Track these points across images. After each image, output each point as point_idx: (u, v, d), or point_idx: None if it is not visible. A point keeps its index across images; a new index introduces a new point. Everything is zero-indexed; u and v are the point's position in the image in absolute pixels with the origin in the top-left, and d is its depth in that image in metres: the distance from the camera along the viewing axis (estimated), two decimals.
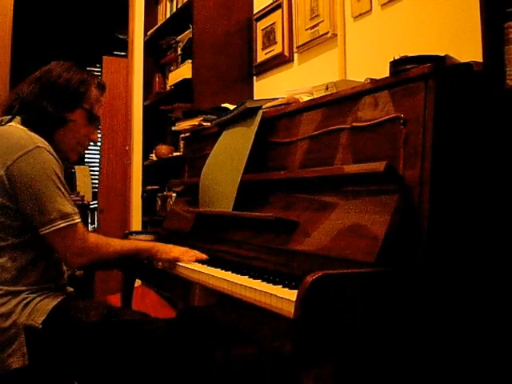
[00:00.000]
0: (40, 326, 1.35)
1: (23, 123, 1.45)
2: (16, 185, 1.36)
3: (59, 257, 1.45)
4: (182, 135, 2.57)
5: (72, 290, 1.58)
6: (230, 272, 1.36)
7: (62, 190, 1.40)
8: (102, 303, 1.54)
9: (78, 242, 1.39)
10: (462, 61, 1.26)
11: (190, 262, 1.53)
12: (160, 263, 1.62)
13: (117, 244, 1.49)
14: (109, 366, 1.38)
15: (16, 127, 1.43)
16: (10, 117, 1.47)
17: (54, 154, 1.42)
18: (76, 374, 1.41)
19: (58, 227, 1.37)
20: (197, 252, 1.59)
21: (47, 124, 1.47)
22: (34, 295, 1.39)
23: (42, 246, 1.42)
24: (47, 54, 2.84)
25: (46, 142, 1.42)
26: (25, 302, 1.37)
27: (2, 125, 1.46)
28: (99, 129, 1.69)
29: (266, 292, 1.11)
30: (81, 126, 1.54)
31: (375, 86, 1.30)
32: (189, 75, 2.84)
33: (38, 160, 1.37)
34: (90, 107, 1.56)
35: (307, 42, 2.41)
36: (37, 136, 1.41)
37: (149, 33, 3.53)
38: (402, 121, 1.20)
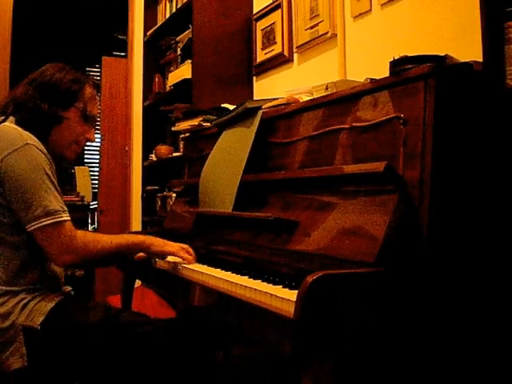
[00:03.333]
0: (39, 327, 1.34)
1: (17, 123, 1.46)
2: (4, 181, 1.36)
3: (46, 255, 1.41)
4: (182, 135, 2.57)
5: (70, 289, 1.58)
6: (230, 272, 1.36)
7: (50, 186, 1.39)
8: (100, 304, 1.54)
9: (64, 240, 1.36)
10: (462, 61, 1.26)
11: (187, 259, 1.52)
12: (158, 262, 1.61)
13: (105, 240, 1.45)
14: (109, 366, 1.37)
15: (8, 126, 1.44)
16: (3, 117, 1.49)
17: (45, 151, 1.42)
18: (76, 375, 1.40)
19: (42, 224, 1.35)
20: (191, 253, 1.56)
21: (41, 122, 1.48)
22: (32, 295, 1.39)
23: (37, 245, 1.41)
24: (47, 55, 2.84)
25: (37, 140, 1.42)
26: (23, 302, 1.37)
27: None
28: (95, 128, 1.69)
29: (266, 292, 1.11)
30: (76, 125, 1.55)
31: (375, 86, 1.30)
32: (188, 75, 2.84)
33: (25, 157, 1.37)
34: (84, 105, 1.56)
35: (307, 42, 2.41)
36: (28, 134, 1.41)
37: (148, 33, 3.53)
38: (401, 121, 1.20)
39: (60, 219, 1.37)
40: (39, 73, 1.55)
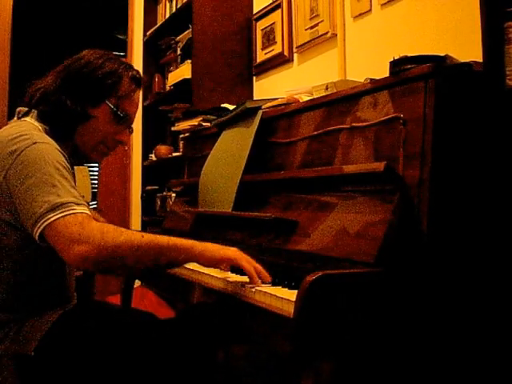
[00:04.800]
0: (32, 354, 1.22)
1: (39, 118, 1.32)
2: (10, 189, 1.19)
3: (58, 254, 1.14)
4: (182, 135, 2.57)
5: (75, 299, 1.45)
6: (229, 272, 1.35)
7: (61, 180, 1.17)
8: (98, 311, 1.43)
9: (74, 228, 1.10)
10: (462, 61, 1.26)
11: (256, 279, 1.19)
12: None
13: (132, 232, 1.16)
14: (109, 366, 1.37)
15: (24, 124, 1.29)
16: (26, 109, 1.34)
17: (58, 148, 1.24)
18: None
19: (49, 221, 1.11)
20: (259, 268, 1.22)
21: (65, 120, 1.31)
22: (25, 320, 1.25)
23: (37, 264, 1.28)
24: (47, 55, 2.84)
25: (51, 140, 1.25)
26: (17, 326, 1.25)
27: (18, 117, 1.35)
28: (130, 129, 1.48)
29: (265, 292, 1.11)
30: (104, 124, 1.35)
31: (375, 86, 1.30)
32: (188, 75, 2.83)
33: (31, 155, 1.18)
34: (117, 103, 1.36)
35: (307, 42, 2.41)
36: (41, 135, 1.25)
37: (148, 33, 3.53)
38: (401, 121, 1.20)
39: (70, 212, 1.12)
40: (74, 59, 1.36)
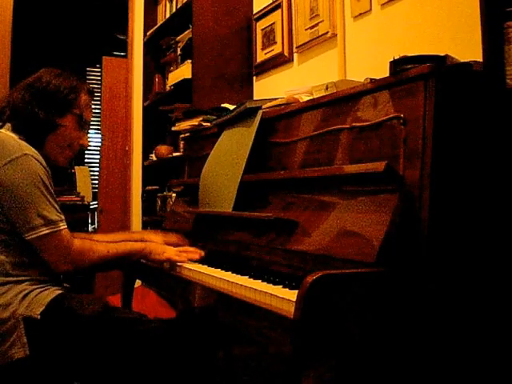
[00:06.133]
0: (39, 317, 1.36)
1: (14, 130, 1.48)
2: (1, 191, 1.39)
3: (45, 262, 1.44)
4: (182, 135, 2.57)
5: (68, 286, 1.59)
6: (229, 272, 1.36)
7: (48, 197, 1.42)
8: (99, 298, 1.55)
9: (61, 251, 1.41)
10: (462, 61, 1.26)
11: (183, 260, 1.56)
12: (165, 264, 1.62)
13: (102, 249, 1.49)
14: (108, 362, 1.38)
15: (5, 134, 1.46)
16: (0, 123, 1.50)
17: (43, 161, 1.44)
18: (77, 366, 1.40)
19: (40, 234, 1.39)
20: (190, 251, 1.60)
21: (38, 130, 1.50)
22: (32, 287, 1.41)
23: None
24: (47, 55, 2.84)
25: (35, 150, 1.44)
26: (24, 293, 1.39)
27: None
28: (88, 133, 1.71)
29: (266, 292, 1.11)
30: (71, 131, 1.57)
31: (375, 86, 1.30)
32: (188, 75, 2.83)
33: (23, 167, 1.39)
34: (80, 112, 1.58)
35: (307, 42, 2.41)
36: (25, 144, 1.43)
37: (148, 33, 3.53)
38: (401, 121, 1.20)
39: (57, 229, 1.41)
40: (36, 78, 1.56)
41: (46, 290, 1.43)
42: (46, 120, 1.50)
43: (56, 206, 1.44)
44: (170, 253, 1.59)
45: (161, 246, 1.62)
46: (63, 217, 1.45)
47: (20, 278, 1.41)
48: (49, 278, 1.47)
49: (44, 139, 1.52)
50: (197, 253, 1.59)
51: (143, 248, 1.58)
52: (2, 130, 1.48)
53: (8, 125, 1.50)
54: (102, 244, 1.52)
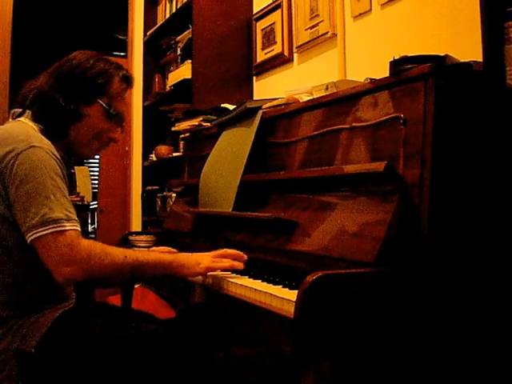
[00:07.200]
0: (33, 350, 1.22)
1: (34, 118, 1.34)
2: (7, 188, 1.22)
3: (47, 268, 1.20)
4: (182, 135, 2.57)
5: (74, 297, 1.45)
6: (229, 272, 1.35)
7: (55, 192, 1.22)
8: (99, 308, 1.45)
9: (63, 250, 1.17)
10: (462, 61, 1.26)
11: (233, 266, 1.30)
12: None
13: (118, 253, 1.23)
14: (108, 366, 1.37)
15: (18, 124, 1.32)
16: (21, 110, 1.37)
17: (55, 153, 1.27)
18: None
19: (39, 234, 1.17)
20: (230, 254, 1.33)
21: (58, 118, 1.34)
22: (26, 317, 1.26)
23: (36, 262, 1.23)
24: (47, 55, 2.84)
25: (48, 142, 1.28)
26: (17, 325, 1.25)
27: (13, 118, 1.38)
28: (122, 127, 1.50)
29: (266, 292, 1.11)
30: (97, 122, 1.39)
31: (375, 86, 1.30)
32: (188, 75, 2.84)
33: (28, 160, 1.21)
34: (109, 102, 1.40)
35: (307, 42, 2.41)
36: (38, 135, 1.29)
37: (148, 33, 3.53)
38: (401, 121, 1.20)
39: (60, 229, 1.18)
40: (65, 60, 1.40)
41: (41, 316, 1.27)
42: (67, 108, 1.33)
43: (66, 203, 1.24)
44: (207, 261, 1.30)
45: (193, 255, 1.33)
46: (73, 216, 1.23)
47: (8, 313, 1.25)
48: (46, 303, 1.31)
49: (66, 128, 1.36)
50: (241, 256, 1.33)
51: (171, 261, 1.28)
52: (21, 119, 1.34)
53: (28, 112, 1.35)
54: (118, 248, 1.27)
